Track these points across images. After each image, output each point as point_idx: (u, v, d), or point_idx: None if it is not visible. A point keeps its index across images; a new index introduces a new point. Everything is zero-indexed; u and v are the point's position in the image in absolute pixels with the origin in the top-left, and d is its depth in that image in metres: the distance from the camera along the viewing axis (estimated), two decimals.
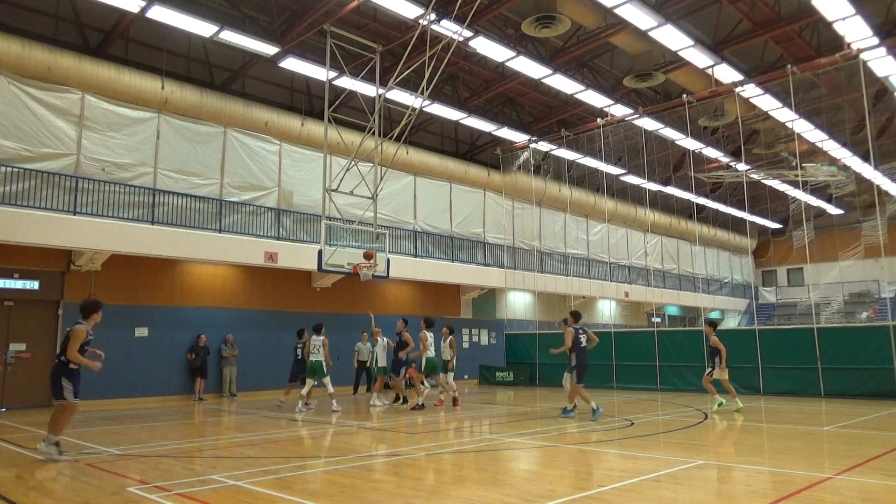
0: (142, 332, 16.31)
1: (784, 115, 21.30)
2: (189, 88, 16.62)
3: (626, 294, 29.50)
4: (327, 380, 13.80)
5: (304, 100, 20.22)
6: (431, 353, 14.07)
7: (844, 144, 24.34)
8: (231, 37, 15.04)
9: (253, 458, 8.06)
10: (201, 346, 16.80)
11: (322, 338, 13.87)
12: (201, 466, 7.73)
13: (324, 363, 13.74)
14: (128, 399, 15.62)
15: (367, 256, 14.82)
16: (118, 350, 15.80)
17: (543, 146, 23.95)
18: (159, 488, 6.21)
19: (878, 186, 25.91)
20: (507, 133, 22.66)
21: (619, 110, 21.08)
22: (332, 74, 16.32)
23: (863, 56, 16.51)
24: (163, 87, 15.98)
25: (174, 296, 17.04)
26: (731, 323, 36.92)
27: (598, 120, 21.32)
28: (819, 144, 24.20)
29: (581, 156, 24.76)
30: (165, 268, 16.83)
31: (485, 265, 23.54)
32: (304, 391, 13.85)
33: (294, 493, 6.04)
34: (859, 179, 26.88)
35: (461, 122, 21.51)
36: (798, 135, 22.50)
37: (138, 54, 16.93)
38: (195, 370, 16.68)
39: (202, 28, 14.69)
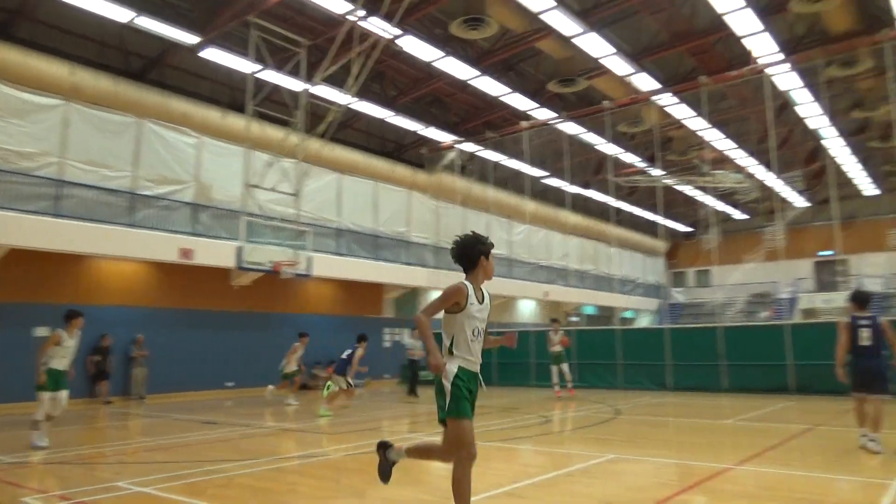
0: (42, 331, 15.34)
1: (697, 123, 22.40)
2: (102, 76, 15.79)
3: (547, 294, 30.20)
4: (43, 395, 8.82)
5: (227, 92, 19.60)
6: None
7: (751, 154, 25.82)
8: (148, 23, 14.41)
9: (161, 462, 7.74)
10: (105, 346, 15.99)
11: (51, 334, 9.18)
12: (105, 473, 7.35)
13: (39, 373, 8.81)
14: (25, 403, 14.64)
15: (276, 270, 14.56)
16: (14, 351, 14.80)
17: (469, 147, 24.19)
18: (59, 497, 5.88)
19: (778, 194, 27.67)
20: (433, 133, 22.74)
21: (543, 114, 21.56)
22: (257, 67, 15.90)
23: (767, 71, 17.57)
24: (72, 73, 15.11)
25: (79, 293, 16.10)
26: (643, 322, 38.52)
27: (523, 123, 21.73)
28: (727, 153, 25.59)
29: (505, 157, 25.15)
30: (70, 264, 15.90)
31: (409, 264, 23.54)
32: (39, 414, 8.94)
33: (205, 499, 5.84)
34: (762, 187, 28.59)
35: (388, 120, 21.42)
36: (709, 143, 23.72)
37: (47, 37, 15.92)
38: (98, 372, 15.86)
39: (117, 13, 14.00)
